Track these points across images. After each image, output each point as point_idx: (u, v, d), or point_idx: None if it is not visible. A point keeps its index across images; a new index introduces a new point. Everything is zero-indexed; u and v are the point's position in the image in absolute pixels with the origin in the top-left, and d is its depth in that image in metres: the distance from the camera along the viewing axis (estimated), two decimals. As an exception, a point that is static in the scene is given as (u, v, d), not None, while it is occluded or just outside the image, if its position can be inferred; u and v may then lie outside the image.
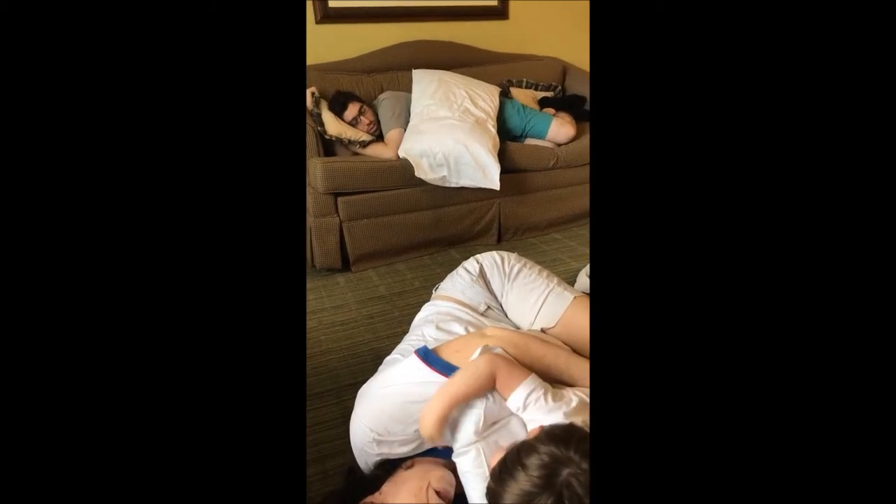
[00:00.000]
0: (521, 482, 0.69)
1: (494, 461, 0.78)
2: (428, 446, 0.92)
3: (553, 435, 0.74)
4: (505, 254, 1.23)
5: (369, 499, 0.87)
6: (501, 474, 0.72)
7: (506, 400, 0.86)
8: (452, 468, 0.94)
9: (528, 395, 0.84)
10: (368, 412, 0.90)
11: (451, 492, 0.88)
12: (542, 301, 1.12)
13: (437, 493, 0.85)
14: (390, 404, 0.89)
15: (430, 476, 0.87)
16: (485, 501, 0.77)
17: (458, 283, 1.17)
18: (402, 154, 1.96)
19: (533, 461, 0.70)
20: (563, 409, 0.83)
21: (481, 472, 0.82)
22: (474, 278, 1.17)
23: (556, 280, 1.19)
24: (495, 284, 1.18)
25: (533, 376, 0.86)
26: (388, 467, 0.91)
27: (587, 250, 2.13)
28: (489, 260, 1.20)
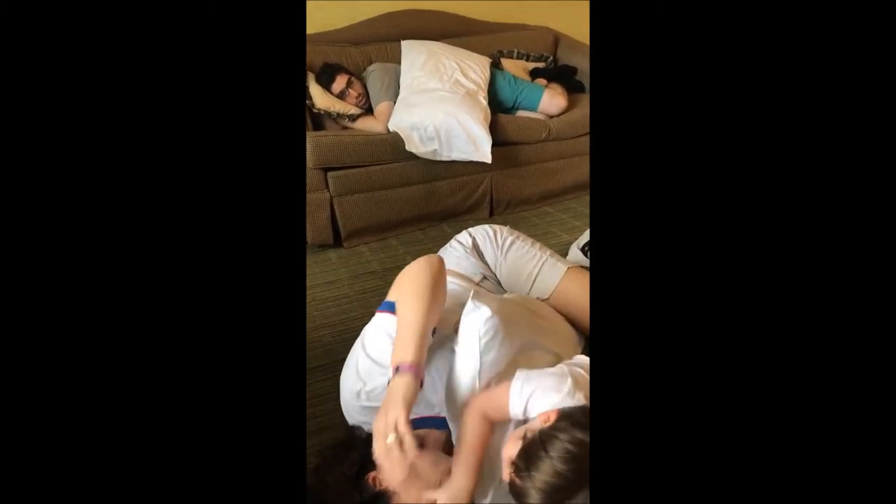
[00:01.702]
0: (548, 475, 0.64)
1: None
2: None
3: (572, 418, 0.69)
4: (497, 227, 1.22)
5: (374, 474, 0.83)
6: (526, 468, 0.67)
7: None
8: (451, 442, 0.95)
9: (523, 386, 0.80)
10: (346, 373, 0.92)
11: None
12: (536, 272, 1.12)
13: None
14: (355, 355, 0.90)
15: (440, 473, 0.83)
16: None
17: (452, 256, 1.17)
18: (392, 127, 1.93)
19: (556, 448, 0.65)
20: (565, 386, 0.79)
21: None
22: (468, 250, 1.17)
23: (548, 252, 1.19)
24: (489, 256, 1.18)
25: (520, 369, 0.83)
26: None
27: (579, 223, 2.13)
28: (482, 233, 1.20)
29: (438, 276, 0.89)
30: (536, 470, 0.67)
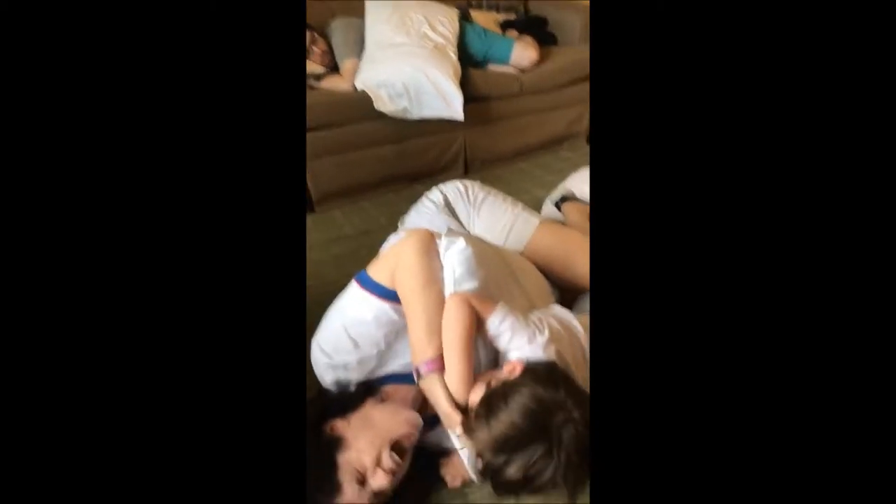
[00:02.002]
0: (505, 427, 0.66)
1: None
2: (391, 371, 0.92)
3: (535, 374, 0.71)
4: (468, 182, 1.21)
5: (338, 422, 0.86)
6: (485, 418, 0.68)
7: (484, 328, 0.83)
8: (423, 396, 0.96)
9: (502, 321, 0.81)
10: (320, 337, 0.91)
11: (415, 435, 0.88)
12: (509, 227, 1.12)
13: (398, 441, 0.85)
14: (332, 326, 0.89)
15: (394, 424, 0.86)
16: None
17: (424, 214, 1.16)
18: (359, 86, 1.87)
19: (519, 407, 0.66)
20: (539, 338, 0.80)
21: None
22: (439, 208, 1.15)
23: (520, 206, 1.19)
24: (461, 213, 1.17)
25: (502, 303, 0.84)
26: (360, 391, 0.91)
27: (553, 178, 2.12)
28: (453, 189, 1.18)
29: (434, 254, 0.87)
30: (495, 419, 0.68)
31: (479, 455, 0.69)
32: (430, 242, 0.87)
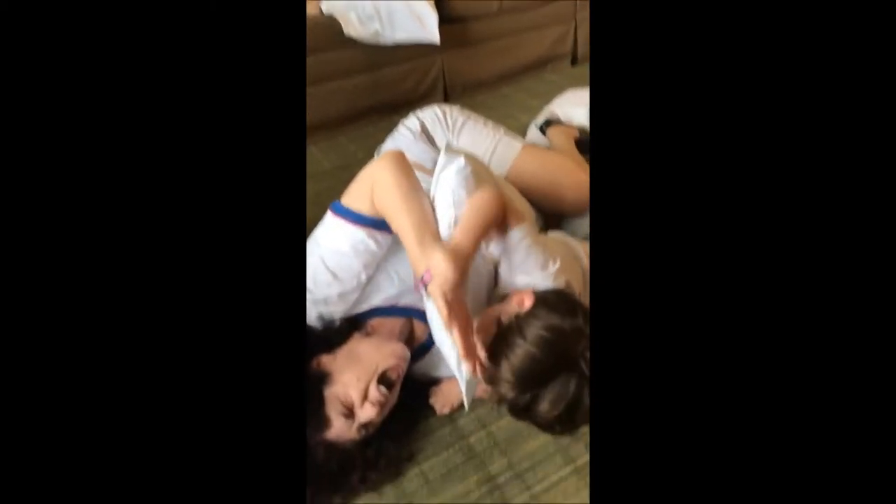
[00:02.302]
0: (524, 362, 0.62)
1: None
2: (370, 306, 0.91)
3: (548, 303, 0.67)
4: (446, 106, 1.14)
5: (323, 358, 0.85)
6: (501, 355, 0.65)
7: (504, 236, 0.76)
8: (410, 328, 0.95)
9: (523, 238, 0.74)
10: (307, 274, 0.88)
11: (403, 368, 0.88)
12: (490, 151, 1.07)
13: (385, 373, 0.84)
14: (310, 259, 0.86)
15: (381, 356, 0.85)
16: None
17: (401, 143, 1.10)
18: (325, 9, 1.74)
19: (533, 334, 0.63)
20: (552, 266, 0.75)
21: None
22: (416, 136, 1.10)
23: (502, 130, 1.13)
24: (440, 140, 1.11)
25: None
26: (345, 326, 0.89)
27: (537, 103, 2.03)
28: (430, 115, 1.12)
29: (410, 171, 0.82)
30: (513, 356, 0.64)
31: (502, 397, 0.66)
32: (402, 160, 0.83)
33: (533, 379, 0.62)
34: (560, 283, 0.74)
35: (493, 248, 0.77)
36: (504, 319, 0.69)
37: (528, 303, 0.70)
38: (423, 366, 0.95)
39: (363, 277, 0.86)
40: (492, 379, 0.66)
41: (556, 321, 0.63)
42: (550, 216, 1.09)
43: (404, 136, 1.11)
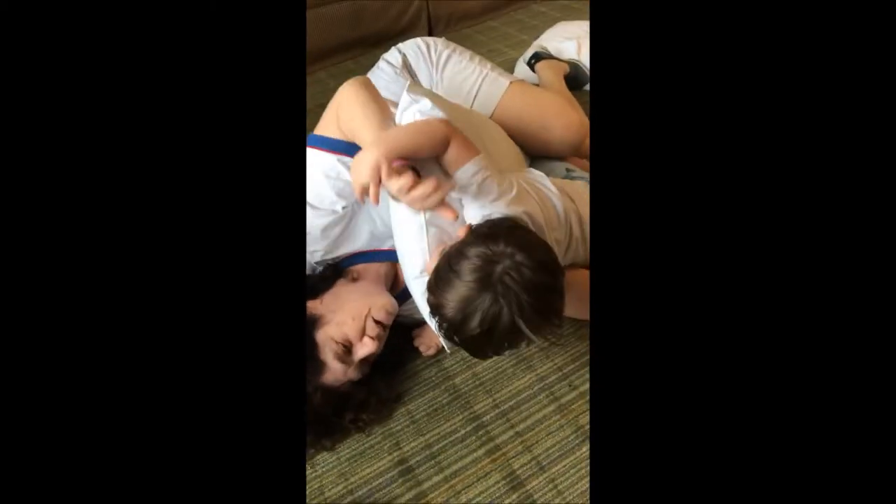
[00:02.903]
0: (457, 288, 0.66)
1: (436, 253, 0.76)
2: (353, 249, 0.89)
3: (479, 234, 0.70)
4: (430, 39, 1.08)
5: (310, 304, 0.85)
6: (438, 285, 0.69)
7: (451, 175, 0.76)
8: (395, 272, 0.94)
9: (476, 172, 0.75)
10: None
11: (392, 317, 0.88)
12: (476, 88, 1.02)
13: (378, 322, 0.84)
14: None
15: (373, 301, 0.85)
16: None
17: (381, 79, 1.04)
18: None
19: (465, 266, 0.67)
20: (505, 196, 0.76)
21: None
22: (398, 71, 1.04)
23: (489, 65, 1.07)
24: (422, 75, 1.05)
25: (483, 155, 0.77)
26: (328, 273, 0.89)
27: (526, 37, 1.94)
28: (413, 48, 1.05)
29: (375, 91, 0.80)
30: (445, 282, 0.68)
31: (440, 319, 0.70)
32: (367, 82, 0.81)
33: (461, 303, 0.66)
34: (515, 213, 0.75)
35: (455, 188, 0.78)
36: (447, 249, 0.72)
37: (463, 234, 0.73)
38: (407, 308, 0.95)
39: (339, 208, 0.83)
40: (436, 305, 0.69)
41: (481, 248, 0.67)
42: (538, 158, 1.06)
43: (385, 71, 1.05)
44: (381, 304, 0.86)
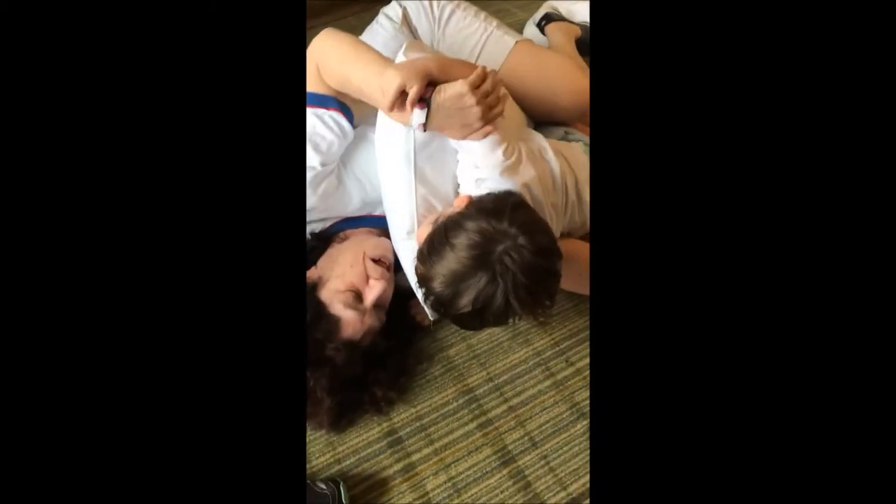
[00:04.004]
0: (451, 262, 0.64)
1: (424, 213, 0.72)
2: (350, 213, 0.86)
3: (482, 207, 0.67)
4: (433, -7, 1.01)
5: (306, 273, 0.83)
6: (429, 255, 0.66)
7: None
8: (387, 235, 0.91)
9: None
10: None
11: (390, 257, 0.85)
12: (480, 47, 0.96)
13: (375, 260, 0.82)
14: None
15: (365, 245, 0.84)
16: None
17: (380, 35, 0.98)
18: None
19: (461, 240, 0.64)
20: (504, 162, 0.72)
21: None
22: (397, 27, 0.98)
23: (494, 23, 1.01)
24: (423, 31, 0.99)
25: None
26: (319, 240, 0.86)
27: (536, -2, 1.85)
28: (414, 3, 0.99)
29: (352, 36, 0.74)
30: (438, 255, 0.65)
31: (428, 291, 0.67)
32: (341, 32, 0.75)
33: (454, 277, 0.64)
34: (513, 185, 0.72)
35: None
36: (440, 220, 0.69)
37: (462, 205, 0.70)
38: (402, 277, 0.92)
39: (316, 163, 0.79)
40: (425, 277, 0.67)
41: (483, 224, 0.64)
42: (543, 123, 1.01)
43: (384, 26, 0.99)
44: (373, 245, 0.84)
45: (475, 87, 0.65)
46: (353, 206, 0.86)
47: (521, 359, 0.92)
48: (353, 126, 0.80)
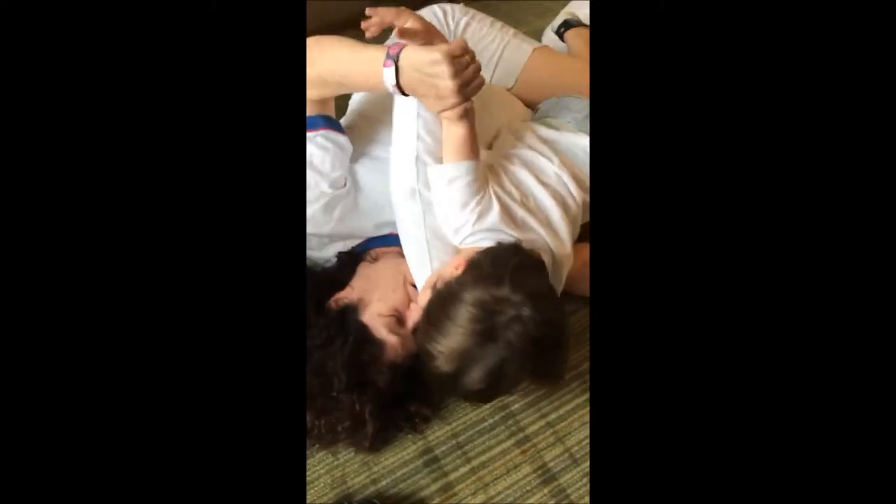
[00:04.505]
0: (453, 339, 0.60)
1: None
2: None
3: (479, 273, 0.62)
4: (447, 5, 1.01)
5: (341, 295, 0.82)
6: (429, 329, 0.63)
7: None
8: None
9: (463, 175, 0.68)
10: None
11: None
12: (497, 56, 0.96)
13: (414, 284, 0.81)
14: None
15: (404, 269, 0.81)
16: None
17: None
18: None
19: (462, 313, 0.60)
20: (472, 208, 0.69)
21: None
22: (414, 41, 0.98)
23: (511, 31, 1.01)
24: (440, 46, 0.99)
25: (476, 163, 0.70)
26: (346, 261, 0.86)
27: (555, 5, 1.84)
28: (429, 15, 0.99)
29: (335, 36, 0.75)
30: (440, 330, 0.61)
31: (432, 369, 0.64)
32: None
33: (461, 354, 0.60)
34: (503, 233, 0.69)
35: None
36: (438, 285, 0.66)
37: (460, 269, 0.65)
38: None
39: (325, 187, 0.78)
40: (428, 354, 0.63)
41: (481, 294, 0.60)
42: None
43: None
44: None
45: (453, 58, 0.62)
46: (370, 221, 0.85)
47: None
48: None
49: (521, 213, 0.71)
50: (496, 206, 0.69)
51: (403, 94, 0.66)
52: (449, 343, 0.60)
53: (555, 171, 0.77)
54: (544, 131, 0.83)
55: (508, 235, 0.69)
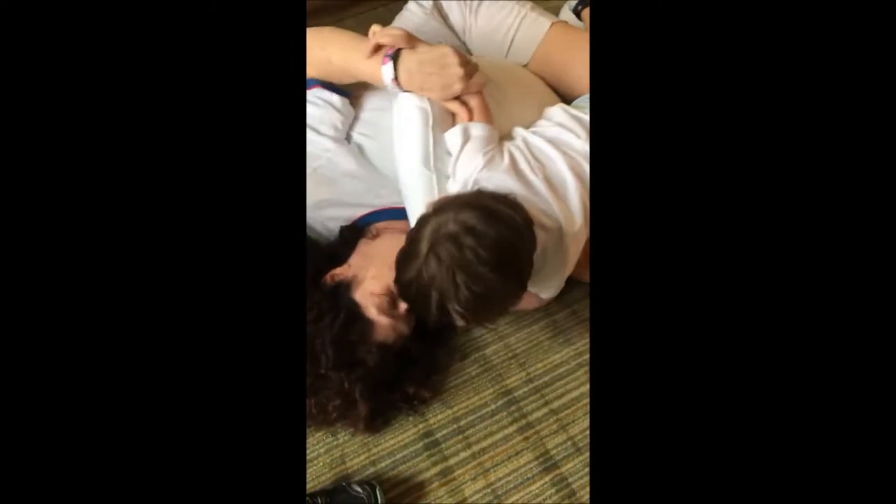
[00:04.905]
0: (415, 266, 0.65)
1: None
2: (376, 206, 0.84)
3: (441, 205, 0.67)
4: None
5: (338, 271, 0.80)
6: (401, 261, 0.68)
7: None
8: None
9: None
10: None
11: None
12: (514, 30, 0.92)
13: None
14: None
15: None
16: None
17: (410, 21, 0.95)
18: None
19: (422, 246, 0.65)
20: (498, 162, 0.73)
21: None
22: (427, 12, 0.95)
23: (528, 5, 0.96)
24: (455, 18, 0.96)
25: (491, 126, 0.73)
26: (347, 235, 0.84)
27: (572, -21, 1.78)
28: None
29: (331, 27, 0.78)
30: (408, 266, 0.65)
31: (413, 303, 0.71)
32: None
33: (424, 284, 0.65)
34: (500, 183, 0.71)
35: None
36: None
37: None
38: None
39: (329, 143, 0.79)
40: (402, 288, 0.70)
41: (434, 224, 0.65)
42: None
43: (414, 12, 0.96)
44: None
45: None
46: (374, 199, 0.84)
47: (562, 359, 0.88)
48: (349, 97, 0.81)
49: (531, 176, 0.72)
50: (507, 159, 0.72)
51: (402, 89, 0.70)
52: (410, 273, 0.65)
53: (581, 145, 0.75)
54: (575, 112, 0.81)
55: (513, 191, 0.70)
